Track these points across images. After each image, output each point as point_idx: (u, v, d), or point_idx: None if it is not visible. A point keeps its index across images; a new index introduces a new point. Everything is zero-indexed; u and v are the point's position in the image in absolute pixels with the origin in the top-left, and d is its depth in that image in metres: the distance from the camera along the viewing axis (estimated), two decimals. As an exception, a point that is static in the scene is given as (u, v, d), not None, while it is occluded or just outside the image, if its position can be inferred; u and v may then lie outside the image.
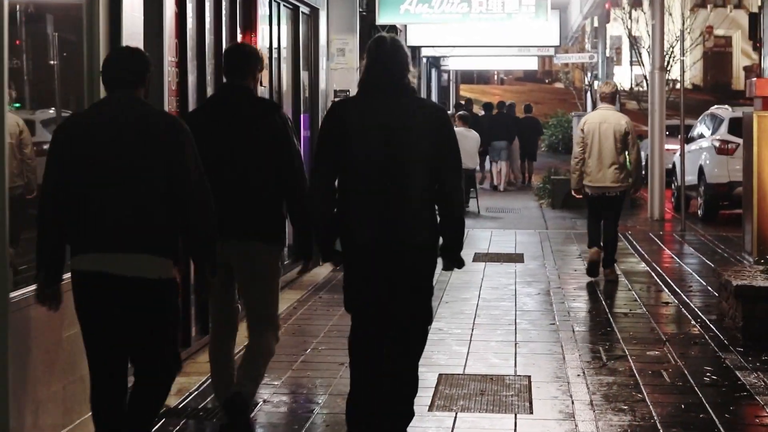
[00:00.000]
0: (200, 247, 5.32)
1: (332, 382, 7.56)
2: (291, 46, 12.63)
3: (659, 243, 15.52)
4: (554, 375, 7.78)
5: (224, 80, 6.42)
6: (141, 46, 6.97)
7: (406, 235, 5.72)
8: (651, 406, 6.98)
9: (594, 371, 7.89)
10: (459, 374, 7.79)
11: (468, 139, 20.15)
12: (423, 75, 31.67)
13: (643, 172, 17.28)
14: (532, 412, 6.88)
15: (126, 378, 5.40)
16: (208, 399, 7.07)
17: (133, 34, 6.91)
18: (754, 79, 13.30)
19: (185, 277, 5.91)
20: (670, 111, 21.01)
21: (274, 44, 11.53)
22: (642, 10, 32.49)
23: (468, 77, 59.23)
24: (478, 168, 22.63)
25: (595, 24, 34.49)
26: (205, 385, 7.34)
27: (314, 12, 13.46)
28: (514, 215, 19.78)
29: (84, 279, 5.20)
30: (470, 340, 8.91)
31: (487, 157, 25.58)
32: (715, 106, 21.01)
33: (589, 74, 35.11)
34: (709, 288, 11.21)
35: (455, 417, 6.79)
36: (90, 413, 5.41)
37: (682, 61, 18.16)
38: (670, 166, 20.56)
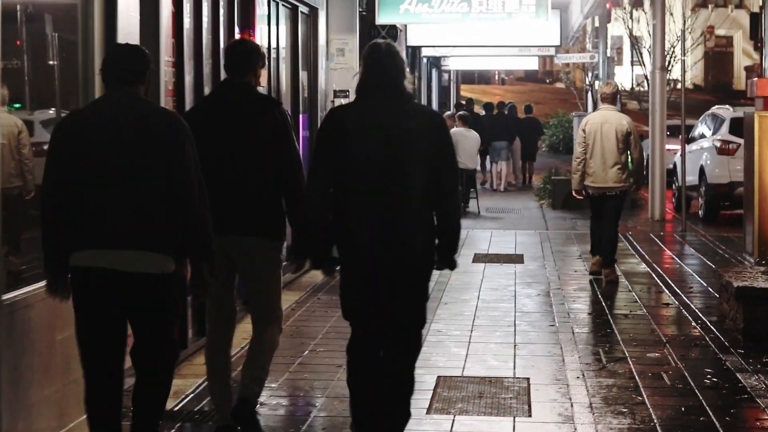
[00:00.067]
0: (199, 246, 5.30)
1: (330, 384, 7.51)
2: (290, 46, 12.58)
3: (660, 243, 15.47)
4: (553, 377, 7.73)
5: (225, 76, 6.41)
6: (128, 42, 6.92)
7: (406, 235, 5.71)
8: (651, 409, 6.92)
9: (594, 373, 7.84)
10: (457, 376, 7.74)
11: (468, 139, 20.12)
12: (423, 75, 31.64)
13: (645, 172, 17.24)
14: (530, 415, 6.83)
15: (122, 379, 5.38)
16: (204, 402, 7.02)
17: (128, 33, 6.86)
18: (755, 79, 13.25)
19: (183, 277, 5.88)
20: (671, 111, 20.96)
21: (273, 44, 11.48)
22: (643, 10, 32.42)
23: (469, 77, 59.21)
24: (478, 168, 22.58)
25: (596, 24, 34.45)
26: (201, 387, 7.29)
27: (313, 12, 13.41)
28: (515, 216, 19.73)
29: (85, 275, 5.18)
30: (469, 342, 8.85)
31: (488, 157, 25.52)
32: (716, 106, 20.96)
33: (590, 74, 35.06)
34: (710, 289, 11.16)
35: (453, 420, 6.74)
36: (84, 416, 5.37)
37: (683, 61, 18.11)
38: (671, 166, 20.52)
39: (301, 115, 12.86)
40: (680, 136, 18.22)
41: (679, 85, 20.21)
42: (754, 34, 20.02)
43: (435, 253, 5.82)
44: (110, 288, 5.16)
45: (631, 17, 32.93)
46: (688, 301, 10.66)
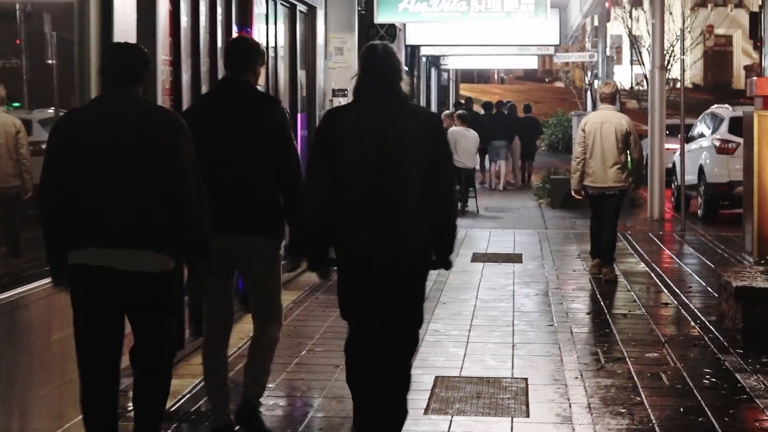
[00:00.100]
0: (196, 246, 5.30)
1: (327, 384, 7.48)
2: (288, 45, 12.55)
3: (659, 243, 15.44)
4: (552, 377, 7.70)
5: (224, 74, 6.41)
6: (127, 41, 6.90)
7: (403, 235, 5.70)
8: (649, 410, 6.89)
9: (592, 373, 7.81)
10: (455, 377, 7.71)
11: (467, 138, 20.10)
12: (422, 74, 31.62)
13: (644, 171, 17.21)
14: (528, 416, 6.80)
15: (118, 379, 5.37)
16: (201, 402, 7.00)
17: (125, 32, 6.83)
18: (755, 78, 13.22)
19: (181, 276, 5.87)
20: (670, 110, 20.93)
21: (271, 43, 11.45)
22: (642, 9, 32.43)
23: (468, 76, 59.17)
24: (477, 167, 22.55)
25: (596, 23, 34.40)
26: (198, 387, 7.26)
27: (312, 10, 13.38)
28: (513, 215, 19.69)
29: (84, 273, 5.17)
30: (467, 342, 8.82)
31: (486, 156, 25.49)
32: (716, 105, 20.93)
33: (589, 73, 35.02)
34: (709, 289, 11.13)
35: (451, 420, 6.71)
36: (79, 417, 5.36)
37: (683, 60, 18.08)
38: (670, 165, 20.48)
39: (299, 114, 12.83)
40: (679, 136, 18.18)
41: (678, 84, 20.19)
42: (754, 34, 20.00)
43: (432, 253, 5.81)
44: (110, 286, 5.16)
45: (630, 16, 32.94)
46: (687, 301, 10.63)
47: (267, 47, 11.25)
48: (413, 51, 27.95)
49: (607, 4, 31.53)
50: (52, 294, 5.88)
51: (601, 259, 12.00)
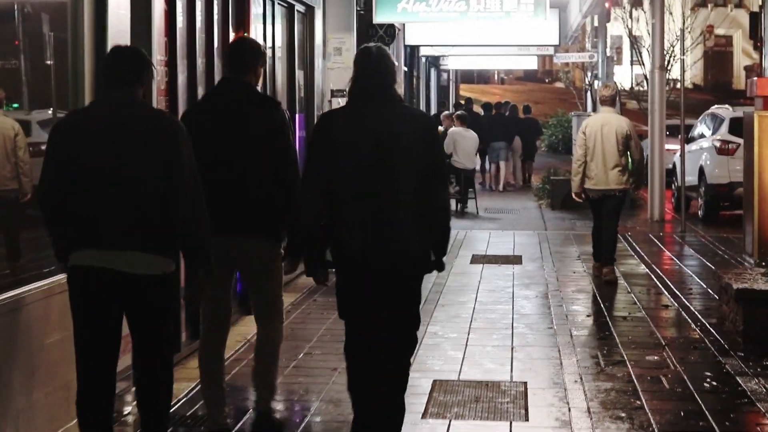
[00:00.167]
0: (195, 249, 5.30)
1: (324, 388, 7.42)
2: (286, 45, 12.48)
3: (659, 244, 15.37)
4: (551, 381, 7.63)
5: (223, 75, 6.47)
6: (127, 44, 6.84)
7: (398, 237, 5.69)
8: (649, 414, 6.83)
9: (592, 377, 7.74)
10: (454, 380, 7.64)
11: (466, 139, 20.04)
12: (422, 74, 31.59)
13: (644, 172, 17.15)
14: (527, 420, 6.73)
15: (115, 381, 5.36)
16: (197, 406, 6.94)
17: (119, 32, 6.77)
18: (755, 78, 13.17)
19: (178, 278, 5.84)
20: (670, 111, 20.86)
21: (269, 43, 11.39)
22: (642, 9, 32.39)
23: (468, 77, 59.16)
24: (477, 168, 22.49)
25: (596, 23, 34.39)
26: (194, 391, 7.20)
27: (310, 10, 13.32)
28: (513, 216, 19.63)
29: (85, 275, 5.17)
30: (466, 345, 8.76)
31: (486, 157, 25.43)
32: (716, 105, 20.86)
33: (589, 74, 35.00)
34: (710, 290, 11.06)
35: (449, 424, 6.65)
36: (73, 422, 5.33)
37: (683, 61, 18.02)
38: (671, 166, 20.42)
39: (297, 115, 12.77)
40: (679, 136, 18.13)
41: (678, 85, 20.13)
42: (754, 34, 19.96)
43: (427, 255, 5.80)
44: (110, 288, 5.16)
45: (630, 16, 32.93)
46: (688, 303, 10.57)
47: (264, 47, 11.19)
48: (413, 51, 27.91)
49: (607, 4, 31.53)
50: (46, 297, 5.85)
51: (602, 259, 11.98)
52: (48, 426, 5.89)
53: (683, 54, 18.32)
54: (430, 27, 23.31)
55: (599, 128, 11.84)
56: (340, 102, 13.82)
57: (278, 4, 11.94)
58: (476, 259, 13.62)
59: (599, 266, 12.07)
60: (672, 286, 11.52)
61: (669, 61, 26.61)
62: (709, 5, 53.70)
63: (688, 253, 14.42)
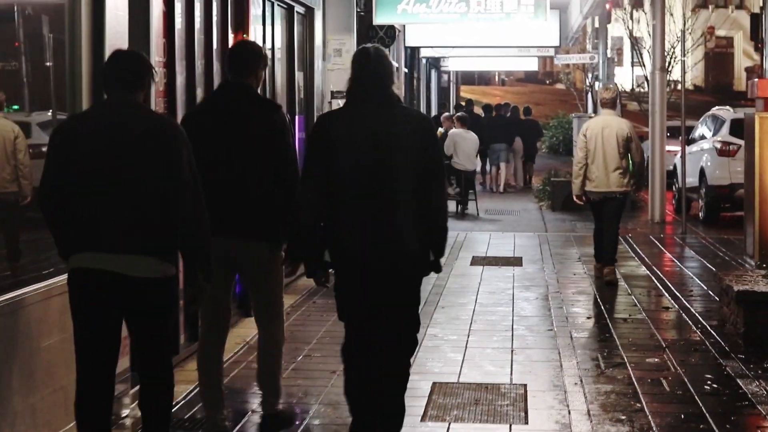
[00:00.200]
0: (195, 252, 5.30)
1: (323, 391, 7.39)
2: (285, 47, 12.45)
3: (660, 246, 15.33)
4: (551, 383, 7.60)
5: (226, 77, 6.48)
6: (125, 45, 6.83)
7: (398, 239, 5.68)
8: (650, 416, 6.79)
9: (592, 379, 7.71)
10: (453, 383, 7.61)
11: (467, 140, 20.00)
12: (422, 76, 31.56)
13: (645, 173, 17.12)
14: (527, 423, 6.70)
15: (114, 384, 5.36)
16: (195, 409, 6.91)
17: (117, 33, 6.74)
18: (756, 80, 13.13)
19: (177, 280, 5.82)
20: (671, 112, 20.83)
21: (268, 44, 11.35)
22: (643, 11, 32.36)
23: (469, 78, 59.16)
24: (478, 170, 22.46)
25: (596, 24, 34.35)
26: (192, 394, 7.17)
27: (309, 12, 13.29)
28: (514, 217, 19.59)
29: (85, 277, 5.16)
30: (466, 347, 8.72)
31: (487, 159, 25.40)
32: (717, 107, 20.84)
33: (590, 75, 34.95)
34: (710, 292, 11.03)
35: (448, 427, 6.62)
36: (70, 425, 5.30)
37: (683, 62, 17.99)
38: (671, 167, 20.39)
39: (297, 117, 12.74)
40: (680, 138, 18.09)
41: (679, 86, 20.08)
42: (755, 35, 19.94)
43: (426, 256, 5.80)
44: (110, 290, 5.15)
45: (631, 18, 32.87)
46: (688, 305, 10.53)
47: (264, 50, 11.15)
48: (413, 52, 27.88)
49: (607, 6, 31.48)
50: (44, 299, 5.83)
51: (603, 259, 11.97)
52: (43, 429, 5.85)
53: (684, 55, 18.29)
54: (431, 28, 23.29)
55: (600, 131, 11.85)
56: (340, 104, 13.78)
57: (278, 5, 11.91)
58: (476, 261, 13.59)
59: (600, 267, 12.04)
60: (672, 288, 11.49)
61: (670, 63, 26.56)
62: (710, 6, 53.69)
63: (689, 255, 14.39)
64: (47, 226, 5.29)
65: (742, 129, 14.80)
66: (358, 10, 15.93)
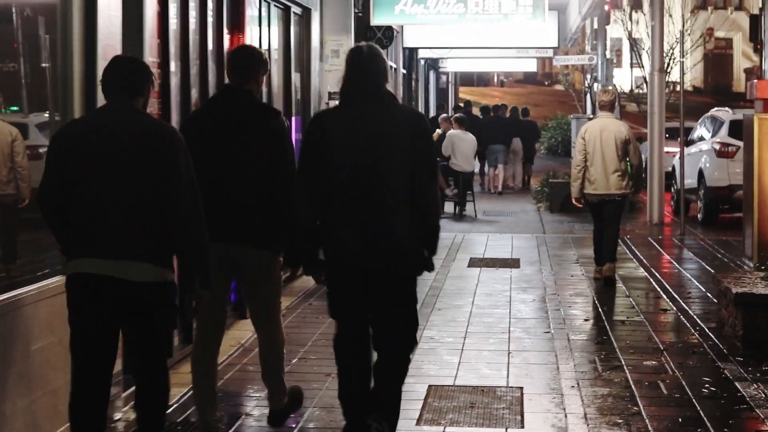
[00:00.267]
0: (192, 258, 5.30)
1: (318, 394, 7.33)
2: (282, 48, 12.40)
3: (658, 247, 15.29)
4: (548, 386, 7.55)
5: (227, 82, 6.42)
6: (119, 46, 6.79)
7: (394, 237, 5.69)
8: (647, 420, 6.74)
9: (589, 382, 7.65)
10: (449, 386, 7.56)
11: (465, 142, 19.96)
12: (421, 77, 31.51)
13: (643, 175, 17.08)
14: (523, 426, 6.65)
15: (109, 387, 5.34)
16: (189, 412, 6.86)
17: (110, 33, 6.69)
18: (755, 81, 13.09)
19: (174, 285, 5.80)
20: (669, 113, 20.79)
21: (264, 45, 11.31)
22: (642, 12, 32.36)
23: (468, 79, 59.12)
24: (476, 171, 22.42)
25: (595, 25, 34.35)
26: (186, 397, 7.12)
27: (306, 12, 13.25)
28: (512, 219, 19.55)
29: (83, 282, 5.15)
30: (462, 350, 8.67)
31: (485, 160, 25.36)
32: (716, 108, 20.84)
33: (588, 76, 34.93)
34: (709, 294, 10.98)
35: (444, 431, 6.56)
36: (61, 429, 5.23)
37: (682, 63, 17.96)
38: (670, 169, 20.35)
39: (294, 118, 12.69)
40: (679, 139, 18.05)
41: (678, 87, 20.06)
42: (754, 36, 19.90)
43: (421, 254, 5.81)
44: (108, 294, 5.14)
45: (630, 19, 32.88)
46: (687, 307, 10.48)
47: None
48: (411, 53, 27.84)
49: (606, 7, 31.48)
50: (34, 302, 5.78)
51: (603, 256, 11.92)
52: (37, 431, 5.82)
53: (683, 56, 18.26)
54: (429, 29, 23.26)
55: (598, 133, 11.85)
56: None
57: (274, 5, 11.87)
58: (474, 263, 13.53)
59: (600, 269, 11.99)
60: (671, 290, 11.44)
61: (669, 64, 26.57)
62: (709, 8, 53.65)
63: (687, 257, 14.34)
64: (48, 227, 5.29)
65: (740, 130, 14.77)
66: (356, 10, 15.89)
